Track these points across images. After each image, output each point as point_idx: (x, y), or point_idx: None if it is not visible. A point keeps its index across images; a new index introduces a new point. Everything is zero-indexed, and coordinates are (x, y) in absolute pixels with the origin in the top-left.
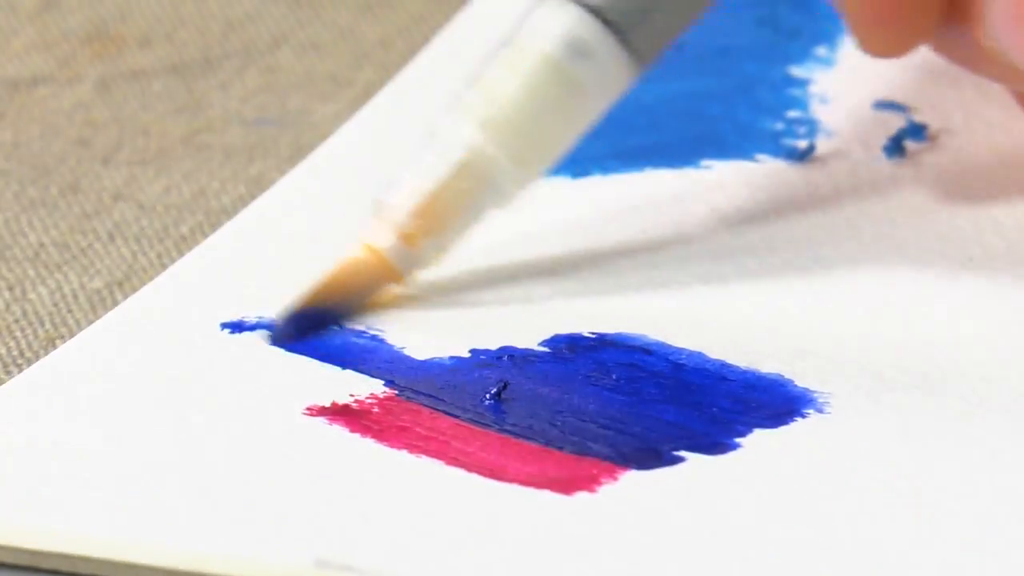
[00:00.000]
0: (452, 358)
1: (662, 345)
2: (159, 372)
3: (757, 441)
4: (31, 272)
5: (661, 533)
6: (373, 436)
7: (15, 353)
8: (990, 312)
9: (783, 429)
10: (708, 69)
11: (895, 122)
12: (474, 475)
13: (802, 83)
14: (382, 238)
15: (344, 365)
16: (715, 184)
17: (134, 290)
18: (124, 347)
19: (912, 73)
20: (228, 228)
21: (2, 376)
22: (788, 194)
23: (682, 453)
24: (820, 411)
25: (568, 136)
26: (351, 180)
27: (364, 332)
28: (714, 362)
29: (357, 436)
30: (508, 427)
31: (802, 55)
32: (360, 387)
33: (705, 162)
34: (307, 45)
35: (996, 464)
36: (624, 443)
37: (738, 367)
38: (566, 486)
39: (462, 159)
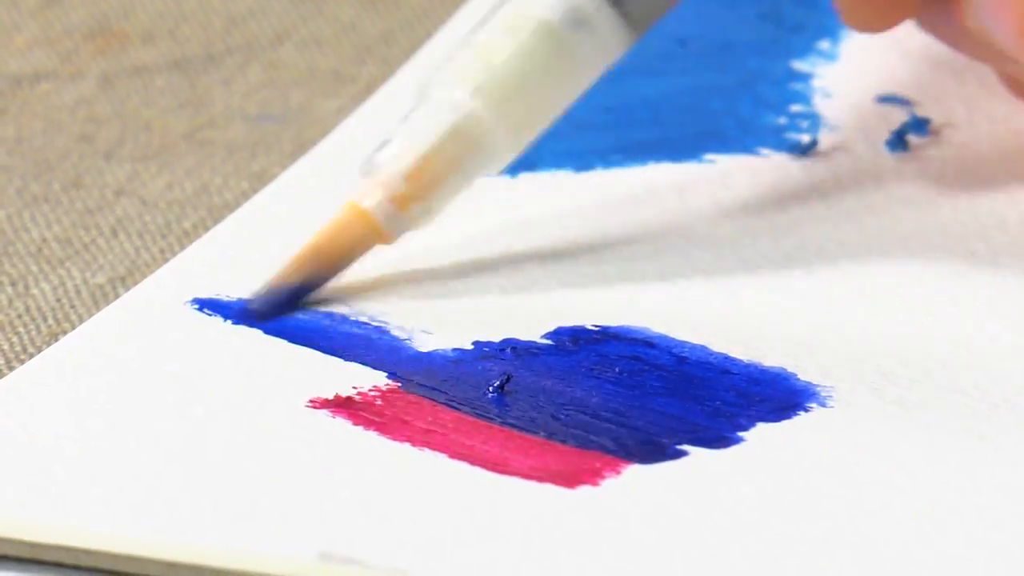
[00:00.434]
0: (455, 350)
1: (665, 338)
2: (160, 365)
3: (760, 435)
4: (34, 268)
5: (664, 527)
6: (376, 429)
7: (18, 348)
8: (993, 306)
9: (786, 423)
10: (711, 64)
11: (898, 116)
12: (477, 468)
13: (805, 77)
14: (371, 199)
15: (347, 357)
16: (718, 178)
17: (137, 286)
18: (125, 340)
19: (915, 67)
20: (229, 222)
21: (5, 371)
22: (791, 188)
23: (685, 447)
24: (823, 405)
25: (561, 103)
26: (352, 175)
27: (367, 323)
28: (717, 355)
29: (360, 429)
30: (511, 420)
31: (805, 49)
32: (363, 379)
33: (708, 156)
34: (309, 41)
35: (998, 458)
36: (627, 436)
37: (741, 360)
38: (569, 479)
39: (455, 123)
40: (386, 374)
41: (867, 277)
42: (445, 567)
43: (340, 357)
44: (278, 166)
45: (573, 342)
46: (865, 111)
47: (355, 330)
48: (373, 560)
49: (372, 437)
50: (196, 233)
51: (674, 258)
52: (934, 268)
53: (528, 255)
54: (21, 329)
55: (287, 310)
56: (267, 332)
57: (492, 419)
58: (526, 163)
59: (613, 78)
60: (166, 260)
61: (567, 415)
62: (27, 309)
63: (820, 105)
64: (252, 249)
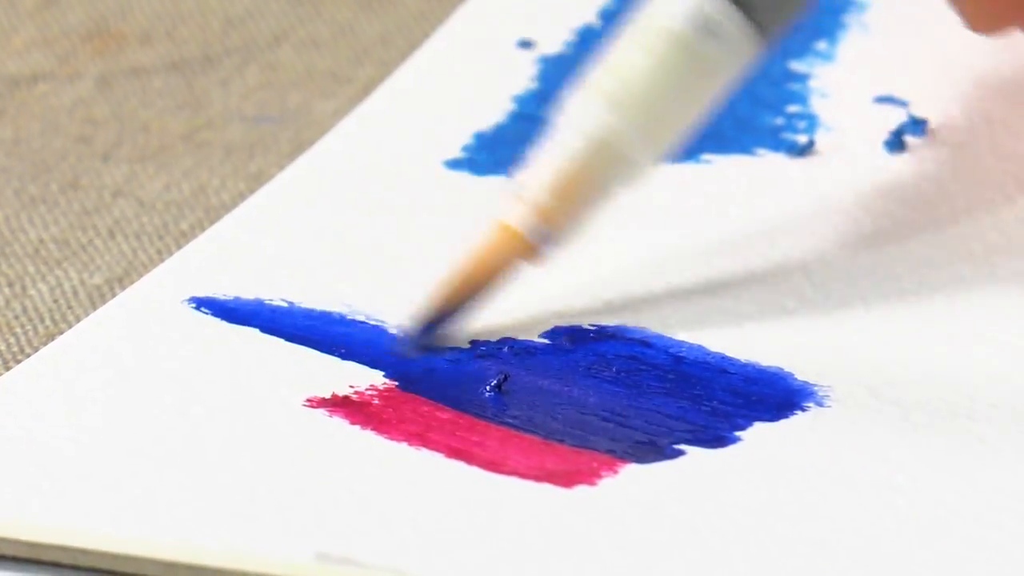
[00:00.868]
0: (452, 350)
1: (662, 338)
2: (157, 364)
3: (757, 434)
4: (31, 268)
5: (661, 526)
6: (373, 428)
7: (15, 349)
8: (989, 306)
9: (783, 422)
10: None
11: (895, 116)
12: (474, 468)
13: (802, 78)
14: (520, 217)
15: (345, 356)
16: (715, 178)
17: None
18: (122, 339)
19: (912, 68)
20: (226, 222)
21: (3, 372)
22: (788, 189)
23: (682, 446)
24: (820, 404)
25: (696, 112)
26: (349, 175)
27: (364, 323)
28: (714, 355)
29: (357, 428)
30: (508, 419)
31: (802, 50)
32: (360, 379)
33: (705, 156)
34: (307, 42)
35: (995, 459)
36: (624, 436)
37: (738, 360)
38: (566, 479)
39: (594, 136)
40: (383, 373)
41: (863, 277)
42: (442, 567)
43: (337, 356)
44: (276, 167)
45: (570, 342)
46: (862, 112)
47: (352, 329)
48: (370, 560)
49: (369, 436)
50: (193, 234)
51: (671, 258)
52: (930, 268)
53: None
54: (19, 330)
55: (438, 339)
56: (263, 331)
57: (489, 418)
58: (523, 163)
59: None
60: (163, 261)
61: (564, 414)
62: (24, 310)
63: (817, 106)
64: (249, 249)
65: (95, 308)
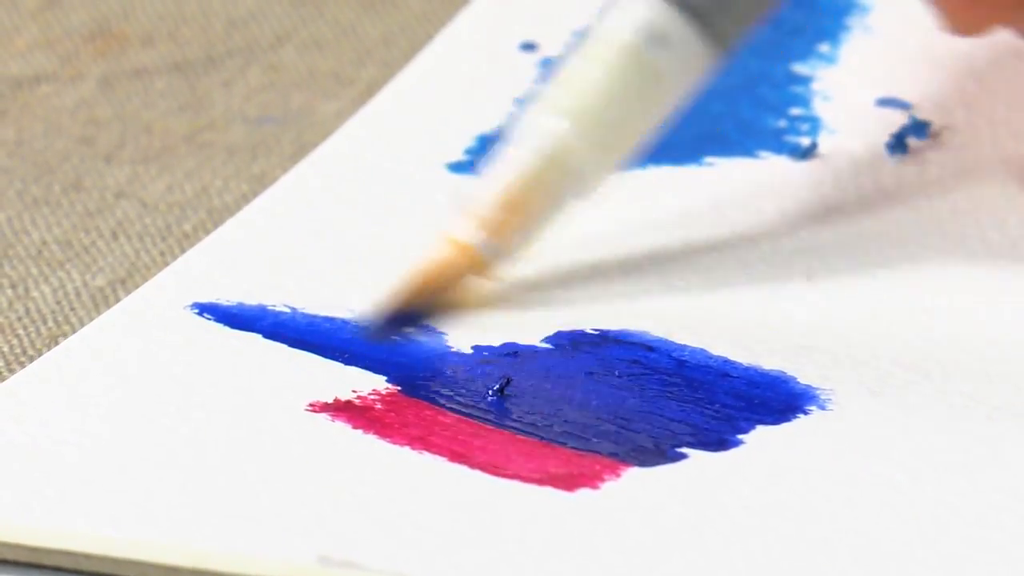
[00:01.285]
0: (455, 354)
1: (664, 342)
2: (161, 369)
3: (760, 438)
4: (34, 270)
5: (663, 529)
6: (376, 432)
7: (18, 351)
8: (992, 308)
9: (785, 426)
10: None
11: (898, 119)
12: (476, 471)
13: (805, 80)
14: (469, 232)
15: (347, 361)
16: (718, 181)
17: (137, 288)
18: (125, 344)
19: (914, 70)
20: (230, 225)
21: (5, 374)
22: (791, 191)
23: (685, 450)
24: (822, 408)
25: (649, 124)
26: (352, 179)
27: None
28: (716, 359)
29: (360, 432)
30: (511, 423)
31: (805, 52)
32: (363, 383)
33: (708, 159)
34: (309, 43)
35: (997, 459)
36: (627, 440)
37: (740, 364)
38: (568, 483)
39: (544, 150)
40: (386, 378)
41: (866, 279)
42: (444, 570)
43: (340, 361)
44: (278, 169)
45: (573, 346)
46: (865, 114)
47: (356, 334)
48: (373, 564)
49: (372, 440)
50: (196, 236)
51: (673, 261)
52: (933, 270)
53: (527, 259)
54: (21, 332)
55: (396, 335)
56: (266, 336)
57: (492, 422)
58: None
59: None
60: (166, 262)
61: (567, 418)
62: (27, 311)
63: (820, 108)
64: (252, 253)
65: (98, 310)
